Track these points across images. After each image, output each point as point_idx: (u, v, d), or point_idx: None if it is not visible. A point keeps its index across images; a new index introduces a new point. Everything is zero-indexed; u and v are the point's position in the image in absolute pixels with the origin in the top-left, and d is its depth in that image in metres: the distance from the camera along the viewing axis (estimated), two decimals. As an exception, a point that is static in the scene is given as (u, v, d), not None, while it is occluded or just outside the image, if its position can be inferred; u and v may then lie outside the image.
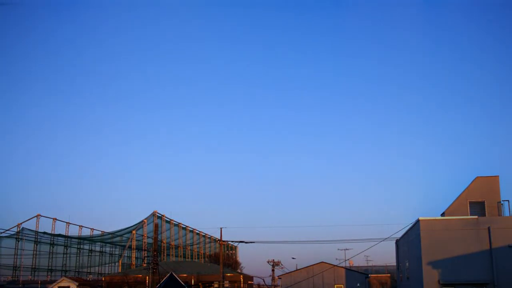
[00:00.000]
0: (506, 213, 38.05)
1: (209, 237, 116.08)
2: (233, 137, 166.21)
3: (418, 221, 35.69)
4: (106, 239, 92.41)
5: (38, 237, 79.74)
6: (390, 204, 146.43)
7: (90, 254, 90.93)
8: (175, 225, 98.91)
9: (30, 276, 78.14)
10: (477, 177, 38.81)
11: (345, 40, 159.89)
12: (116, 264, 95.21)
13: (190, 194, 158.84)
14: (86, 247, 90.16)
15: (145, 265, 68.69)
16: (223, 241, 53.14)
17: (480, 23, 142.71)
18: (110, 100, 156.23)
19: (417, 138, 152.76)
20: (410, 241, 40.80)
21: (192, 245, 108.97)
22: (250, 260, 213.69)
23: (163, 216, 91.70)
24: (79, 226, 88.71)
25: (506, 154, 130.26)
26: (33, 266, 78.46)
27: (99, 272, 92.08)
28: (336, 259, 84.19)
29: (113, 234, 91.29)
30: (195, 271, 71.48)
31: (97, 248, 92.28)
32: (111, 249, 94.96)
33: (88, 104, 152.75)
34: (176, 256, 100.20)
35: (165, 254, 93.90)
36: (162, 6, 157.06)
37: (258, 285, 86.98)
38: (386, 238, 44.43)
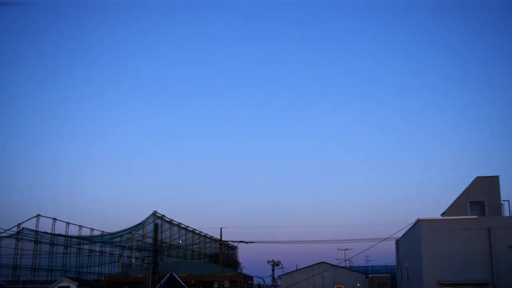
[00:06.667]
0: (506, 213, 38.06)
1: (209, 237, 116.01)
2: (234, 137, 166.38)
3: (418, 221, 35.70)
4: (106, 239, 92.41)
5: (38, 237, 79.64)
6: (390, 204, 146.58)
7: (90, 254, 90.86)
8: (175, 225, 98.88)
9: (30, 276, 78.05)
10: (477, 177, 38.79)
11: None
12: (116, 264, 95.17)
13: (190, 194, 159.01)
14: (86, 247, 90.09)
15: (144, 264, 68.62)
16: (223, 241, 53.06)
17: (481, 22, 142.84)
18: (110, 100, 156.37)
19: (417, 139, 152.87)
20: (410, 241, 40.81)
21: (192, 245, 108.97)
22: (250, 260, 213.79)
23: (163, 216, 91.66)
24: (79, 226, 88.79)
25: (506, 154, 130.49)
26: (33, 266, 78.33)
27: (99, 272, 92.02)
28: (336, 259, 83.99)
29: (113, 234, 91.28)
30: (195, 271, 71.45)
31: (97, 248, 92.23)
32: (111, 249, 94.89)
33: (88, 104, 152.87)
34: (176, 256, 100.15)
35: (165, 254, 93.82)
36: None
37: (258, 285, 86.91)
38: (386, 238, 44.47)
